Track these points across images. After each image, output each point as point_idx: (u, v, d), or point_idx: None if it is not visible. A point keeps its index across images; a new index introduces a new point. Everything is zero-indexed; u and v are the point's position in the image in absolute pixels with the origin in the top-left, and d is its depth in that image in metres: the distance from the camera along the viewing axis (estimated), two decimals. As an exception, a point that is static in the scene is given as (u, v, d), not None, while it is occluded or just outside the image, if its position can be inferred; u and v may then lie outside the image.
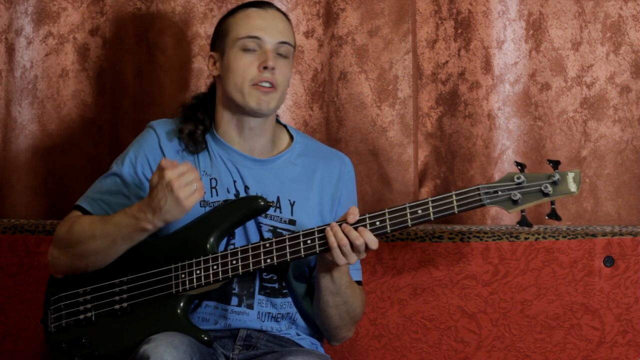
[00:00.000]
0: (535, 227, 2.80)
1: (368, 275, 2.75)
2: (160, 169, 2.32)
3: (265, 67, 2.46)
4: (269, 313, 2.52)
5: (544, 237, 2.74)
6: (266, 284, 2.52)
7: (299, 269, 2.56)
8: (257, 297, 2.51)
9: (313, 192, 2.56)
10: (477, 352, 2.74)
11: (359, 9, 2.96)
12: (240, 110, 2.50)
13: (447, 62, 3.00)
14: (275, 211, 2.52)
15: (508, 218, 2.97)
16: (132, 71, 3.03)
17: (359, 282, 2.58)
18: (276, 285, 2.52)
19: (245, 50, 2.49)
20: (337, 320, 2.52)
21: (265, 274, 2.52)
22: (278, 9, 2.55)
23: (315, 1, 2.99)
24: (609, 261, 2.72)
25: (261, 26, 2.49)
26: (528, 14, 2.96)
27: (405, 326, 2.76)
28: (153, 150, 2.54)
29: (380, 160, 2.97)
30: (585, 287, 2.72)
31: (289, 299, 2.54)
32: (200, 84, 2.99)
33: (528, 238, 2.74)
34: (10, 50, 3.03)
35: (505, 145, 2.96)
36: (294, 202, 2.54)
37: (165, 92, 3.01)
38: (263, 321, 2.51)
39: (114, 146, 3.02)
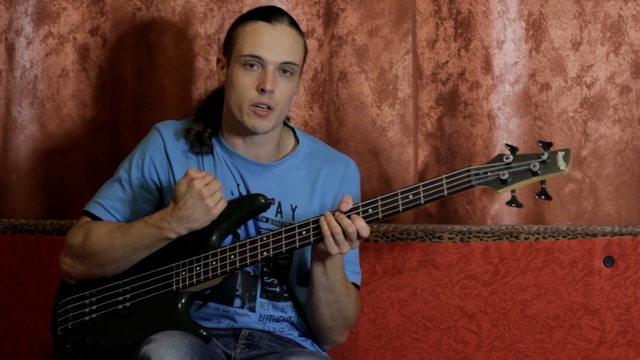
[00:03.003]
0: (535, 227, 2.81)
1: (368, 275, 2.75)
2: (190, 178, 2.35)
3: (263, 90, 2.44)
4: (271, 316, 2.52)
5: (544, 237, 2.74)
6: (268, 288, 2.52)
7: (302, 271, 2.55)
8: (259, 300, 2.51)
9: (315, 195, 2.55)
10: (477, 352, 2.74)
11: (359, 9, 2.96)
12: (240, 125, 2.50)
13: (447, 62, 3.00)
14: (276, 216, 2.52)
15: (508, 218, 2.97)
16: (132, 71, 3.03)
17: (356, 286, 2.58)
18: (277, 289, 2.53)
19: (247, 68, 2.45)
20: (328, 320, 2.51)
21: (266, 277, 2.52)
22: (290, 22, 2.49)
23: (315, 1, 2.99)
24: (609, 261, 2.72)
25: (266, 44, 2.45)
26: (528, 14, 2.96)
27: (405, 326, 2.76)
28: (158, 154, 2.54)
29: (380, 160, 2.97)
30: (585, 287, 2.72)
31: (291, 303, 2.54)
32: (200, 84, 2.99)
33: (528, 238, 2.74)
34: (10, 50, 3.03)
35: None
36: (295, 207, 2.53)
37: (165, 92, 3.01)
38: (265, 323, 2.51)
39: (114, 146, 3.02)
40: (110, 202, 2.52)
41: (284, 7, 2.94)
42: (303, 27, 2.97)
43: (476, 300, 2.74)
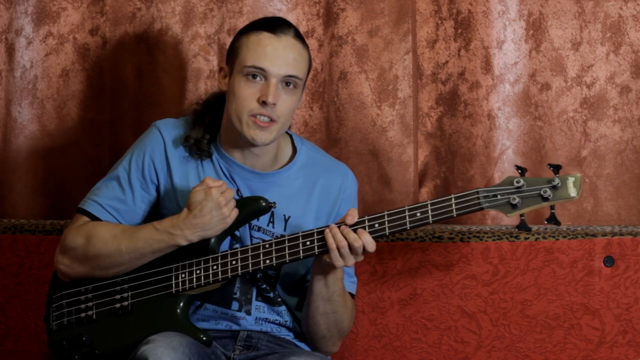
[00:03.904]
0: (535, 227, 2.80)
1: (368, 275, 2.75)
2: (207, 187, 2.35)
3: (264, 102, 2.41)
4: (267, 319, 2.52)
5: (544, 237, 2.74)
6: (263, 293, 2.52)
7: (289, 282, 2.55)
8: (255, 303, 2.52)
9: (310, 206, 2.54)
10: (477, 352, 2.74)
11: (359, 9, 2.96)
12: (240, 136, 2.47)
13: (447, 62, 3.00)
14: (268, 225, 2.51)
15: (508, 218, 2.96)
16: (132, 71, 3.03)
17: (352, 296, 2.57)
18: (271, 295, 2.53)
19: (249, 79, 2.42)
20: (324, 329, 2.51)
21: (260, 282, 2.52)
22: (295, 35, 2.46)
23: (315, 1, 2.99)
24: (609, 261, 2.72)
25: (270, 56, 2.41)
26: (528, 14, 2.96)
27: (405, 326, 2.76)
28: (159, 154, 2.52)
29: (380, 160, 2.97)
30: (585, 287, 2.72)
31: (285, 307, 2.54)
32: (200, 84, 2.99)
33: (528, 238, 2.74)
34: (10, 50, 3.03)
35: (505, 145, 2.96)
36: (288, 217, 2.52)
37: (165, 92, 3.01)
38: (261, 324, 2.52)
39: (114, 146, 3.02)
40: (108, 201, 2.50)
41: (284, 8, 2.94)
42: (303, 27, 2.97)
43: (476, 300, 2.74)
